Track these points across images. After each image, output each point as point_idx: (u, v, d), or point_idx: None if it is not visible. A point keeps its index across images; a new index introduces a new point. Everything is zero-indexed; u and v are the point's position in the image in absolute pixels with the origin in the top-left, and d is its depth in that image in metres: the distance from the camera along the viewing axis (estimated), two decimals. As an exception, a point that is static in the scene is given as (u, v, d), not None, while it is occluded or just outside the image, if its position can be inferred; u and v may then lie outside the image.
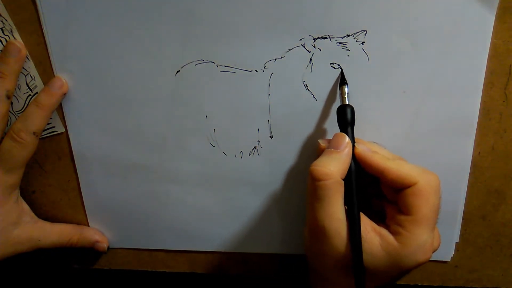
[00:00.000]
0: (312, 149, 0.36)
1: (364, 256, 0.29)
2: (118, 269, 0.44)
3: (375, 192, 0.34)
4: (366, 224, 0.30)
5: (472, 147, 0.35)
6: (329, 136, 0.36)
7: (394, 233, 0.30)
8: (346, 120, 0.32)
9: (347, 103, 0.33)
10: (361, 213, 0.31)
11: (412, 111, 0.35)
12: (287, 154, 0.37)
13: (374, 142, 0.35)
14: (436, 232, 0.31)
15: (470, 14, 0.31)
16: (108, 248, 0.42)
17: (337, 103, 0.35)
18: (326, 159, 0.31)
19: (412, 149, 0.36)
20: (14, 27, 0.34)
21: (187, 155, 0.38)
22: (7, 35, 0.34)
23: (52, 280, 0.45)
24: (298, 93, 0.35)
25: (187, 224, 0.40)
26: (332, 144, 0.32)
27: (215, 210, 0.40)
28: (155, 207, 0.40)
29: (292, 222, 0.39)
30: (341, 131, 0.33)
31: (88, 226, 0.41)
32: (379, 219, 0.32)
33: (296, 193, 0.38)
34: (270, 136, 0.36)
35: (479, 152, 0.36)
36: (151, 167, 0.38)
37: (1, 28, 0.34)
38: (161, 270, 0.43)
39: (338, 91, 0.34)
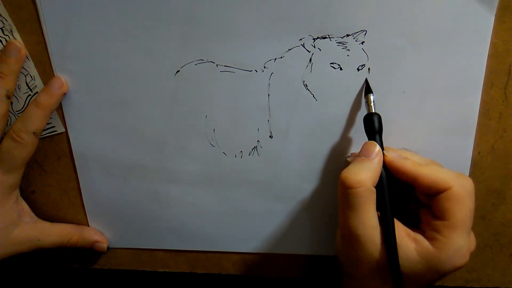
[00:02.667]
0: (312, 149, 0.36)
1: (400, 261, 0.29)
2: (118, 269, 0.44)
3: (410, 197, 0.34)
4: (401, 230, 0.30)
5: (472, 147, 0.36)
6: (329, 140, 0.36)
7: (430, 238, 0.30)
8: (373, 128, 0.32)
9: (373, 111, 0.33)
10: (395, 219, 0.31)
11: (412, 111, 0.35)
12: (287, 154, 0.37)
13: (404, 149, 0.35)
14: (471, 234, 0.31)
15: (469, 14, 0.31)
16: (108, 248, 0.42)
17: (338, 105, 0.35)
18: (356, 167, 0.31)
19: (412, 149, 0.36)
20: (14, 27, 0.34)
21: (187, 155, 0.38)
22: (7, 35, 0.34)
23: (52, 280, 0.45)
24: (298, 93, 0.35)
25: (187, 224, 0.40)
26: (363, 153, 0.31)
27: (215, 210, 0.40)
28: (155, 207, 0.40)
29: (292, 222, 0.39)
30: (369, 139, 0.33)
31: (88, 226, 0.41)
32: (414, 224, 0.32)
33: (296, 193, 0.38)
34: (270, 136, 0.36)
35: (479, 152, 0.36)
36: (151, 167, 0.38)
37: (1, 28, 0.34)
38: (161, 270, 0.43)
39: (364, 100, 0.34)
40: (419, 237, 0.30)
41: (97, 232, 0.41)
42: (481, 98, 0.34)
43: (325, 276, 0.42)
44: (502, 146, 0.36)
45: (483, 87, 0.34)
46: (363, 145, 0.32)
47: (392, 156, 0.31)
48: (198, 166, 0.38)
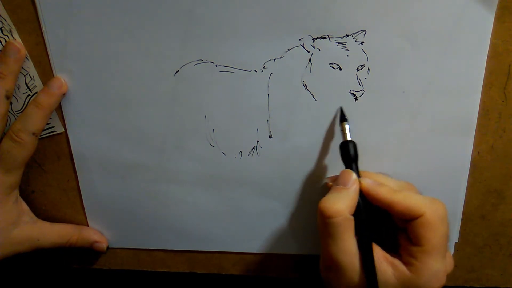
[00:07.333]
0: (311, 149, 0.36)
1: (379, 286, 0.30)
2: (118, 269, 0.44)
3: (388, 221, 0.34)
4: (379, 255, 0.31)
5: (472, 147, 0.36)
6: (328, 140, 0.36)
7: (406, 263, 0.30)
8: (349, 156, 0.33)
9: (348, 139, 0.33)
10: (373, 243, 0.31)
11: (411, 111, 0.35)
12: (287, 154, 0.37)
13: (381, 173, 0.35)
14: (448, 256, 0.32)
15: (469, 14, 0.31)
16: (108, 248, 0.42)
17: (338, 105, 0.35)
18: (334, 196, 0.31)
19: (412, 149, 0.36)
20: (13, 27, 0.34)
21: (186, 155, 0.38)
22: (6, 35, 0.34)
23: (51, 280, 0.45)
24: (297, 93, 0.35)
25: (186, 224, 0.40)
26: (340, 181, 0.32)
27: (215, 210, 0.40)
28: (155, 207, 0.40)
29: (291, 222, 0.40)
30: (345, 166, 0.33)
31: (88, 226, 0.41)
32: (393, 248, 0.33)
33: (295, 193, 0.38)
34: (269, 136, 0.36)
35: (479, 152, 0.36)
36: (151, 167, 0.38)
37: (0, 28, 0.34)
38: (161, 270, 0.43)
39: (339, 128, 0.34)
40: (397, 261, 0.31)
41: (97, 232, 0.41)
42: (481, 98, 0.34)
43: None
44: (501, 146, 0.36)
45: (482, 87, 0.34)
46: (340, 174, 0.33)
47: (367, 183, 0.32)
48: (197, 166, 0.38)
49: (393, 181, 0.34)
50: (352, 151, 0.33)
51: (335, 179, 0.33)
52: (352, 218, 0.31)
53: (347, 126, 0.34)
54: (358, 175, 0.33)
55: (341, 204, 0.31)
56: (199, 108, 0.36)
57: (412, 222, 0.31)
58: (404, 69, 0.33)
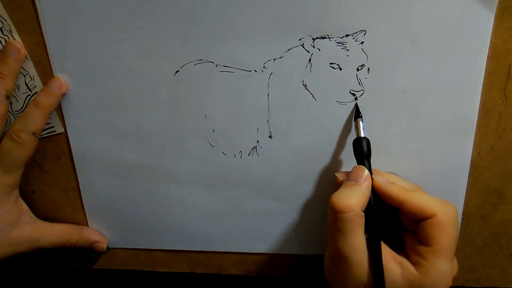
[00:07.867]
0: (311, 149, 0.36)
1: (386, 285, 0.30)
2: (118, 269, 0.44)
3: (395, 221, 0.34)
4: (387, 253, 0.31)
5: (472, 147, 0.36)
6: (328, 141, 0.36)
7: (414, 263, 0.30)
8: (362, 152, 0.33)
9: (362, 135, 0.33)
10: (382, 242, 0.31)
11: (411, 111, 0.35)
12: (286, 154, 0.37)
13: (392, 173, 0.35)
14: (454, 259, 0.32)
15: (469, 14, 0.31)
16: (108, 248, 0.42)
17: (338, 105, 0.35)
18: (346, 191, 0.31)
19: (412, 149, 0.36)
20: (13, 27, 0.34)
21: (186, 155, 0.38)
22: (6, 35, 0.34)
23: (51, 280, 0.45)
24: (297, 93, 0.35)
25: (186, 224, 0.40)
26: (352, 177, 0.32)
27: (215, 210, 0.40)
28: (155, 207, 0.40)
29: (291, 222, 0.40)
30: (358, 163, 0.33)
31: (88, 226, 0.41)
32: (399, 247, 0.33)
33: (295, 193, 0.38)
34: (269, 136, 0.36)
35: (479, 152, 0.36)
36: (151, 167, 0.38)
37: (0, 28, 0.34)
38: (161, 270, 0.43)
39: (353, 124, 0.35)
40: (405, 261, 0.31)
41: (97, 232, 0.41)
42: (481, 98, 0.34)
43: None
44: (501, 146, 0.36)
45: (482, 87, 0.34)
46: (352, 169, 0.33)
47: (380, 180, 0.32)
48: (197, 166, 0.38)
49: (403, 181, 0.34)
50: (365, 148, 0.33)
51: (347, 175, 0.33)
52: (363, 214, 0.31)
53: (361, 123, 0.34)
54: (371, 172, 0.33)
55: (353, 199, 0.30)
56: (199, 108, 0.36)
57: (422, 222, 0.30)
58: (404, 69, 0.33)
